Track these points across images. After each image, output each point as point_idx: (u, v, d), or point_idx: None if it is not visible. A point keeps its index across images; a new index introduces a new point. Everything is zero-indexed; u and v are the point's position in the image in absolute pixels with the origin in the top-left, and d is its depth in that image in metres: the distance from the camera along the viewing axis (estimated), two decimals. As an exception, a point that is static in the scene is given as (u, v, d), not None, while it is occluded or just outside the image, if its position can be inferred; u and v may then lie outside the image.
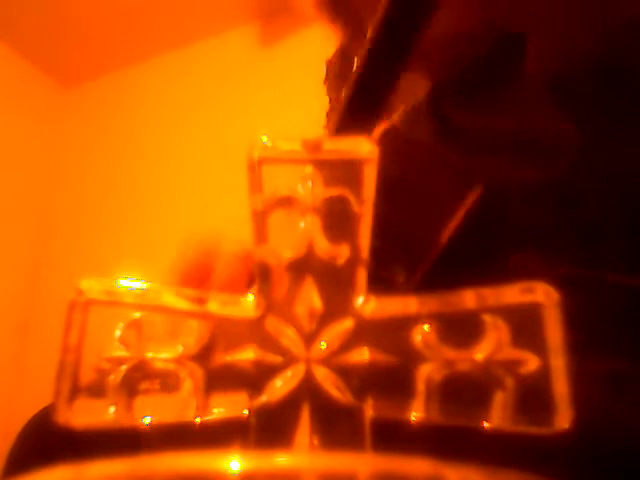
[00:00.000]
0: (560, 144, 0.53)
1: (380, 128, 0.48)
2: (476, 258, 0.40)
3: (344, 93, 0.40)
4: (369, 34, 0.38)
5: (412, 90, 0.58)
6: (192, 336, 0.24)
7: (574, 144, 0.52)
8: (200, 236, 0.53)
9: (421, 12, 0.37)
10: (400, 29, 0.38)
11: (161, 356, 0.23)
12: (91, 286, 0.24)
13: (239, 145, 0.25)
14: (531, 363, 0.22)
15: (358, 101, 0.40)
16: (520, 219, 0.43)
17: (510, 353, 0.22)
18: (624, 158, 0.48)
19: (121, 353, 0.23)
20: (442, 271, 0.41)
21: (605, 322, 0.39)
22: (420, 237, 0.42)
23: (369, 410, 0.22)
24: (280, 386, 0.23)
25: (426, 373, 0.22)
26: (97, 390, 0.23)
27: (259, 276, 0.24)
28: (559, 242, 0.45)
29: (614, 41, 0.51)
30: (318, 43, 0.69)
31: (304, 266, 0.23)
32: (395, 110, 0.61)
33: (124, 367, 0.23)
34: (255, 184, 0.23)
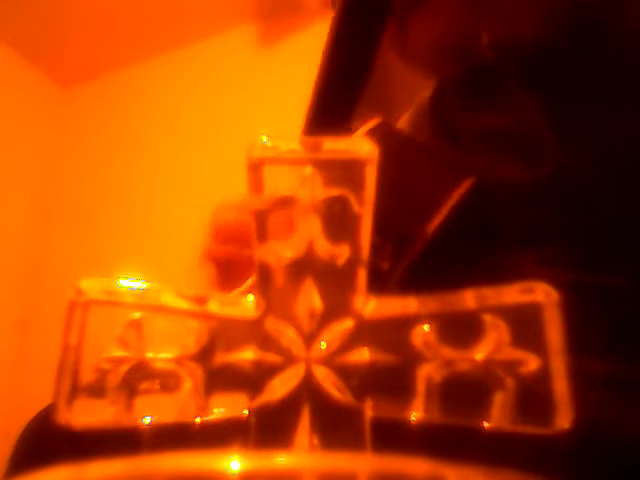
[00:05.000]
0: (543, 143, 0.53)
1: (370, 123, 0.48)
2: (467, 255, 0.40)
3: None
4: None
5: (418, 91, 0.59)
6: (192, 336, 0.24)
7: (554, 144, 0.51)
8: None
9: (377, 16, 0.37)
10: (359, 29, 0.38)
11: (161, 356, 0.23)
12: (91, 286, 0.24)
13: (239, 145, 0.25)
14: (531, 363, 0.22)
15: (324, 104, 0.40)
16: (513, 219, 0.43)
17: (510, 353, 0.22)
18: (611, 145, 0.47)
19: (121, 353, 0.23)
20: (430, 264, 0.41)
21: (603, 324, 0.39)
22: (406, 227, 0.42)
23: (369, 410, 0.22)
24: (280, 386, 0.23)
25: (426, 373, 0.22)
26: (97, 390, 0.23)
27: (259, 276, 0.23)
28: (555, 244, 0.45)
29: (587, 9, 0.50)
30: (318, 43, 0.69)
31: (304, 266, 0.23)
32: (403, 110, 0.61)
33: (124, 367, 0.23)
34: (255, 184, 0.23)
